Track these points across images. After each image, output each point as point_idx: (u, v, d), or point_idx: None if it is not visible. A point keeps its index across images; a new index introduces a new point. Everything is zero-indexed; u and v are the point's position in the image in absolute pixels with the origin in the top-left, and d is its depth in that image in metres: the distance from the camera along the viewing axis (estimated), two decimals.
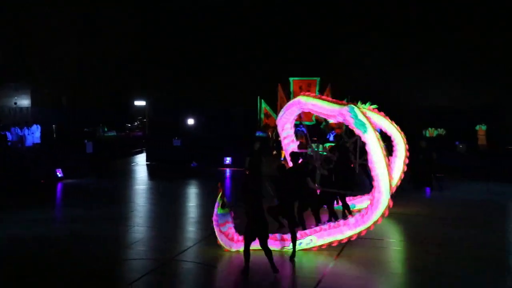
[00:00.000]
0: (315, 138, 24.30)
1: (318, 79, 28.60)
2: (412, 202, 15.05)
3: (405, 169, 14.59)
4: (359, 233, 10.12)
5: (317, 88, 28.55)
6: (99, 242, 11.25)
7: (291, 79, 28.94)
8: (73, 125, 30.67)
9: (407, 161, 14.59)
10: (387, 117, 14.05)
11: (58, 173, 19.81)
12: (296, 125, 15.71)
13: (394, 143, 14.52)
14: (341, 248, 10.50)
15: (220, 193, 10.01)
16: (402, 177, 14.59)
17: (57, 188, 18.56)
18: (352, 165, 12.88)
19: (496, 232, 12.02)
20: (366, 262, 9.95)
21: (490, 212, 14.16)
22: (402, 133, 14.54)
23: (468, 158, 21.47)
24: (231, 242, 10.23)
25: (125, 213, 14.19)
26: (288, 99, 28.92)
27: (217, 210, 10.02)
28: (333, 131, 23.97)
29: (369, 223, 9.99)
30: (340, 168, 12.17)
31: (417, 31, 30.11)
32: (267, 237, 9.21)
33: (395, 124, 14.28)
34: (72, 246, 11.05)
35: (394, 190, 11.45)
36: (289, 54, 31.96)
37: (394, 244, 11.27)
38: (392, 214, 12.24)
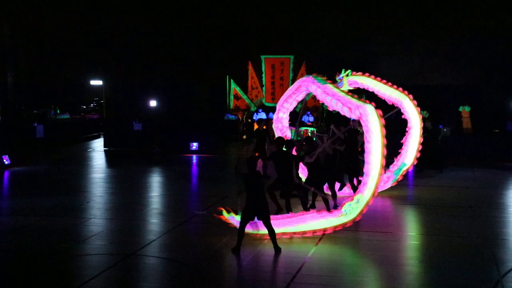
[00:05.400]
0: (289, 122, 24.42)
1: (291, 57, 28.64)
2: (394, 189, 15.19)
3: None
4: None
5: (290, 67, 28.60)
6: (51, 236, 11.02)
7: (262, 57, 28.87)
8: (21, 106, 29.97)
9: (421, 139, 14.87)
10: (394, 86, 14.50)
11: (4, 160, 19.36)
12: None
13: (408, 118, 14.71)
14: (318, 239, 10.57)
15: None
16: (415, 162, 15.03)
17: (4, 177, 18.15)
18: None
19: (480, 221, 12.25)
20: (344, 253, 10.04)
21: (474, 201, 14.41)
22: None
23: (452, 143, 21.75)
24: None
25: (80, 204, 13.94)
26: (260, 78, 28.97)
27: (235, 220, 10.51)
28: (309, 113, 24.07)
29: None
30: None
31: (393, 5, 30.34)
32: (268, 217, 9.78)
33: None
34: (21, 240, 10.81)
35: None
36: (261, 30, 31.80)
37: (375, 234, 11.37)
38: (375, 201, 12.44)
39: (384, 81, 14.52)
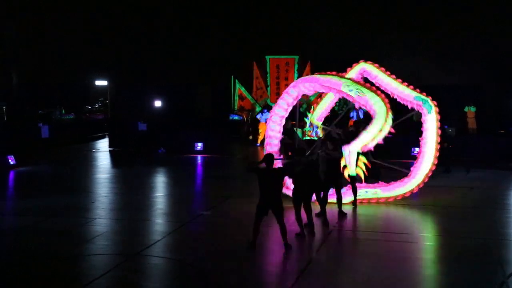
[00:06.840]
0: (293, 122, 24.39)
1: (296, 57, 28.65)
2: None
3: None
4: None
5: (295, 67, 28.62)
6: (56, 236, 11.02)
7: (267, 57, 28.90)
8: (26, 106, 30.08)
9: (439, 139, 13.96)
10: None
11: (10, 160, 19.40)
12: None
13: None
14: (322, 241, 10.56)
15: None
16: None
17: (9, 177, 18.20)
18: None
19: (485, 221, 12.22)
20: (347, 254, 10.05)
21: (479, 201, 14.38)
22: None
23: (457, 143, 21.66)
24: None
25: (85, 204, 13.96)
26: (265, 79, 28.99)
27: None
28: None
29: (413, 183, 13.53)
30: None
31: (396, 5, 30.30)
32: (282, 214, 9.86)
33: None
34: (26, 240, 10.82)
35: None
36: (265, 30, 31.78)
37: (380, 235, 11.37)
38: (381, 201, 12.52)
39: (400, 80, 13.77)
